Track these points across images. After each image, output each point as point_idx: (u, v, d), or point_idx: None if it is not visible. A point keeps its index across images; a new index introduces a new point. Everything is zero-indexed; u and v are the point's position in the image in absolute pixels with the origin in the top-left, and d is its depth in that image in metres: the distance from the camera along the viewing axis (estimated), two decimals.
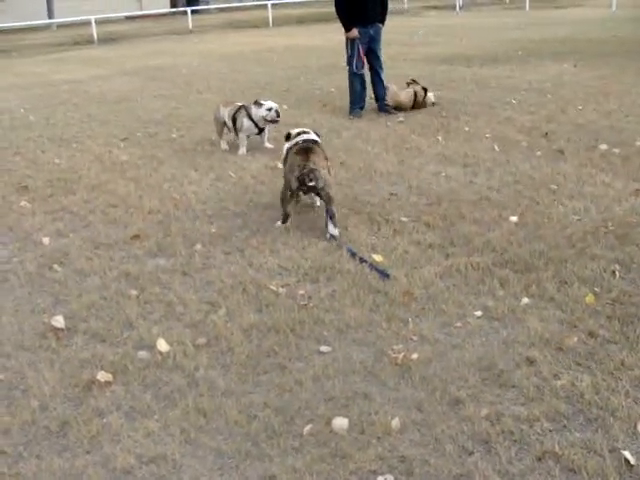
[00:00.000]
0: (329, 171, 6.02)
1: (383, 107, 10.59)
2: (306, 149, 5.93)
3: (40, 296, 5.10)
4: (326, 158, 6.10)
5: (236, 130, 8.69)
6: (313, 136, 6.37)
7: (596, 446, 3.15)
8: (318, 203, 6.35)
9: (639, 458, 3.06)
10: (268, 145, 8.83)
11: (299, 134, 6.37)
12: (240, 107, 8.65)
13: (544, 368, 3.76)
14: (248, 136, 8.68)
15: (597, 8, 27.98)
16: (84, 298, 4.98)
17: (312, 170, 5.69)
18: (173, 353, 4.17)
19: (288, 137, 6.44)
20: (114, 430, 3.52)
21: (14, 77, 18.87)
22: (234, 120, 8.63)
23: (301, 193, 6.11)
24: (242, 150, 8.64)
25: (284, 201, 6.01)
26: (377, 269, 5.10)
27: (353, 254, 5.35)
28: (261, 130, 8.69)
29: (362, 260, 5.24)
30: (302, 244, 5.66)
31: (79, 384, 3.93)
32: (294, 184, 5.79)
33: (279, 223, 6.06)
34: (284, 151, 6.38)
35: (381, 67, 10.54)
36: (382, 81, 10.55)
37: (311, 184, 5.71)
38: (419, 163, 7.71)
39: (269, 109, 8.40)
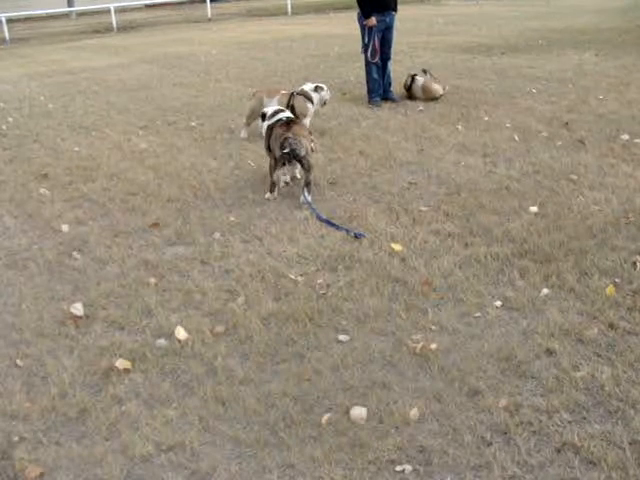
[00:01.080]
0: (313, 143, 6.77)
1: (390, 95, 10.59)
2: (288, 122, 6.52)
3: (59, 283, 5.12)
4: (310, 133, 6.81)
5: None
6: (288, 114, 6.99)
7: (616, 438, 3.13)
8: (298, 175, 6.93)
9: None
10: None
11: (276, 112, 6.94)
12: (291, 95, 8.56)
13: (564, 359, 3.74)
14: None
15: None
16: (103, 286, 5.00)
17: (291, 137, 6.19)
18: (192, 341, 4.18)
19: (264, 117, 7.03)
20: (133, 418, 3.54)
21: (33, 65, 18.95)
22: (292, 108, 8.37)
23: (285, 161, 6.35)
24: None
25: (271, 170, 6.53)
26: (353, 233, 5.55)
27: (326, 221, 5.84)
28: None
29: (331, 224, 5.73)
30: (321, 233, 5.65)
31: (98, 371, 3.95)
32: (277, 152, 6.24)
33: (268, 194, 6.52)
34: (264, 129, 6.85)
35: (390, 57, 10.50)
36: (389, 70, 10.54)
37: (292, 148, 6.10)
38: (439, 152, 7.67)
39: (327, 89, 8.62)
